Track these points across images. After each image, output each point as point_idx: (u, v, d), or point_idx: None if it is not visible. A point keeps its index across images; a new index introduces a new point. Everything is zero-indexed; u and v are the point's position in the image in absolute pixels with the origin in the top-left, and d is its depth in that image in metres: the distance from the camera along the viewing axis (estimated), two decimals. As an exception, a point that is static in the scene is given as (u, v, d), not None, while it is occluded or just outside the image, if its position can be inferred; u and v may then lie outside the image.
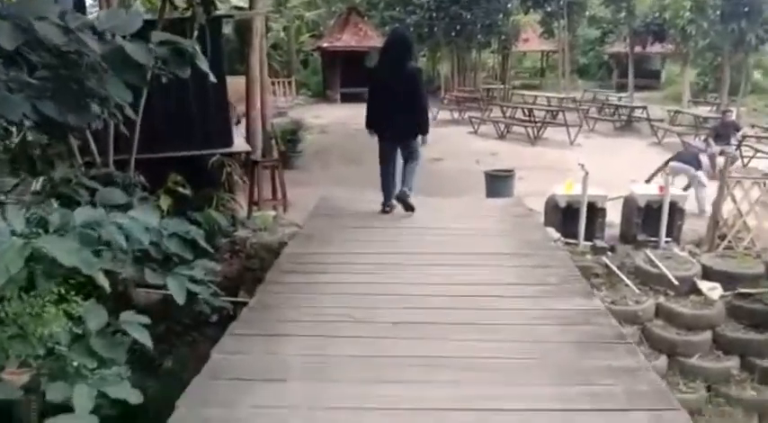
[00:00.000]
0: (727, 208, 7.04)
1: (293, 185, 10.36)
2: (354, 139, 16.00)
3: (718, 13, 16.18)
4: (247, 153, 7.61)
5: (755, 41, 16.69)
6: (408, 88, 5.64)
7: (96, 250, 2.76)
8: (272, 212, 7.47)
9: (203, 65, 3.60)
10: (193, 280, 3.59)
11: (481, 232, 5.08)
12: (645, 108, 17.24)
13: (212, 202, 6.67)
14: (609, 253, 6.63)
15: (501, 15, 23.68)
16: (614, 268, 6.30)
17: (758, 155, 11.79)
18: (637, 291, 6.10)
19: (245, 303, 5.15)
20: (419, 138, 6.09)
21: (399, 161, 6.09)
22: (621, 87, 27.31)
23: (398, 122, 5.78)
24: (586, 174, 6.47)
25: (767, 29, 16.63)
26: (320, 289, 3.92)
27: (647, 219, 6.91)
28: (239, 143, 7.55)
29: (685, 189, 8.50)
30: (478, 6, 22.76)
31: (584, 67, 34.70)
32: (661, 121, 17.09)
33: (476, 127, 17.04)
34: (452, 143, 14.52)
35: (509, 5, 24.98)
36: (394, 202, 5.92)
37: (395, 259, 4.42)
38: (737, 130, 11.55)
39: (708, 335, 5.78)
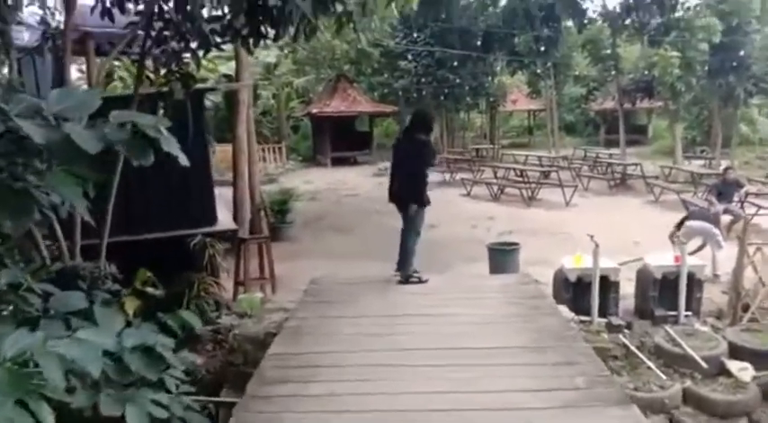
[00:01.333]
0: (747, 275, 6.58)
1: (283, 259, 9.85)
2: (345, 205, 15.67)
3: (706, 68, 16.27)
4: (234, 231, 7.14)
5: (744, 95, 16.71)
6: (413, 157, 5.96)
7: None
8: (260, 294, 6.93)
9: (172, 147, 3.14)
10: (159, 403, 3.02)
11: (489, 319, 4.55)
12: (639, 165, 17.04)
13: (194, 288, 6.14)
14: (626, 331, 6.10)
15: (488, 77, 23.90)
16: (634, 349, 5.75)
17: (760, 211, 11.47)
18: (661, 375, 5.53)
19: (229, 404, 4.58)
20: (415, 207, 6.06)
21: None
22: (609, 143, 27.42)
23: (401, 192, 6.09)
24: (597, 246, 6.01)
25: (755, 83, 16.72)
26: (307, 405, 3.35)
27: (664, 291, 6.43)
28: (224, 220, 7.07)
29: (697, 251, 8.07)
30: (465, 69, 22.99)
31: (570, 124, 35.05)
32: (656, 178, 16.86)
33: (468, 189, 16.75)
34: (446, 207, 14.11)
35: (495, 67, 25.30)
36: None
37: (392, 359, 3.87)
38: (740, 187, 11.24)
39: (744, 423, 5.20)
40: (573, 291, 6.21)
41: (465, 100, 24.43)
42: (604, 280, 6.18)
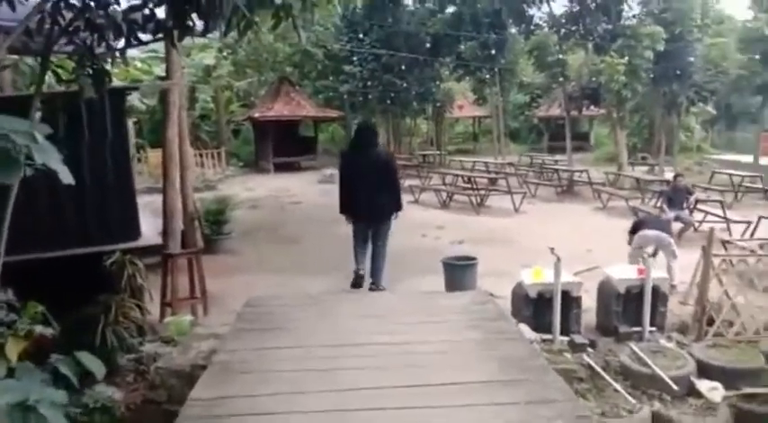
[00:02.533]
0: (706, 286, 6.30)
1: (219, 274, 9.08)
2: (288, 214, 14.92)
3: (651, 76, 16.38)
4: (159, 246, 6.36)
5: (687, 103, 16.93)
6: (383, 172, 6.28)
7: None
8: (189, 317, 6.19)
9: (49, 159, 2.47)
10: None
11: (448, 347, 4.00)
12: (586, 171, 17.01)
13: (110, 312, 5.37)
14: (589, 350, 5.69)
15: (435, 83, 23.62)
16: (600, 371, 5.34)
17: (707, 218, 11.46)
18: (629, 397, 5.13)
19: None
20: (395, 215, 6.71)
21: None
22: (553, 150, 27.66)
23: (375, 205, 6.35)
24: (558, 260, 5.58)
25: (697, 90, 16.98)
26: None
27: (627, 305, 6.07)
28: (149, 234, 6.30)
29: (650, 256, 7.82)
30: (412, 75, 22.61)
31: (515, 131, 35.28)
32: (602, 184, 16.86)
33: (416, 196, 16.30)
34: (394, 215, 13.60)
35: (442, 73, 25.06)
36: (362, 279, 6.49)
37: (338, 402, 3.27)
38: (690, 194, 11.18)
39: (717, 448, 4.85)
40: (533, 307, 5.76)
41: (412, 105, 24.04)
42: (565, 295, 5.77)
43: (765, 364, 5.50)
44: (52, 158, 2.44)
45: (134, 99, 22.41)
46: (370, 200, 6.24)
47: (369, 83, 22.46)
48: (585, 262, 8.54)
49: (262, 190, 18.79)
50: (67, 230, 5.67)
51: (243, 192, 18.24)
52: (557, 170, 18.45)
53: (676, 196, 10.79)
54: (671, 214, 10.13)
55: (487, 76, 23.25)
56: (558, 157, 22.39)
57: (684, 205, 10.92)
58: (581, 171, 17.50)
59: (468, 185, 15.96)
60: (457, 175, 17.06)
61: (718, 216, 11.36)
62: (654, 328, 6.04)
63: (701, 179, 17.88)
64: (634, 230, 7.99)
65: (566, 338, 5.75)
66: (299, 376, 3.62)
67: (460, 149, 31.83)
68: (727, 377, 5.34)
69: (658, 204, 11.37)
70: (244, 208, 15.23)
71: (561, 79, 18.31)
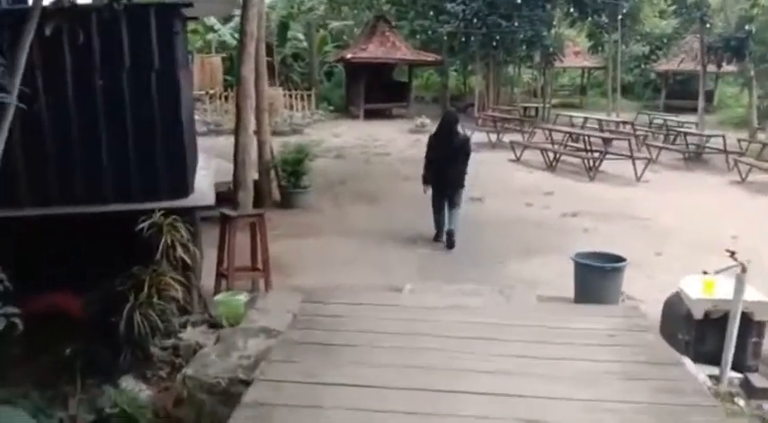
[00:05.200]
0: None
1: (291, 235, 7.99)
2: (374, 166, 13.60)
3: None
4: (211, 206, 5.19)
5: None
6: (459, 153, 7.65)
7: None
8: (243, 296, 5.05)
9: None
10: None
11: (584, 409, 2.60)
12: (722, 137, 14.52)
13: (141, 291, 4.30)
14: (775, 398, 4.07)
15: (546, 26, 21.14)
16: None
17: None
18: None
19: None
20: (462, 190, 7.78)
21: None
22: (669, 109, 24.60)
23: (449, 177, 7.64)
24: (743, 269, 3.92)
25: None
26: None
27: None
28: (202, 191, 5.15)
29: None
30: (520, 16, 20.25)
31: (628, 85, 31.81)
32: (739, 153, 14.34)
33: (518, 154, 14.53)
34: (493, 175, 12.00)
35: (554, 16, 22.47)
36: (444, 237, 7.71)
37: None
38: None
39: None
40: (696, 330, 4.17)
41: (518, 51, 21.74)
42: (743, 318, 4.12)
43: None
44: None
45: (225, 34, 21.67)
46: (445, 173, 7.61)
47: (473, 22, 20.31)
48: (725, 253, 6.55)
49: (349, 137, 17.58)
50: (98, 182, 4.60)
51: (330, 138, 17.13)
52: (684, 133, 15.97)
53: None
54: None
55: (606, 21, 20.50)
56: (681, 117, 19.64)
57: None
58: (716, 136, 14.99)
59: (580, 146, 13.99)
60: (566, 133, 15.04)
61: None
62: None
63: None
64: None
65: (737, 376, 4.15)
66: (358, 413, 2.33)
67: (565, 103, 29.11)
68: None
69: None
70: (328, 157, 14.12)
71: (702, 25, 15.53)
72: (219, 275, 5.55)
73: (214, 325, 4.80)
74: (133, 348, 4.30)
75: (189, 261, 4.65)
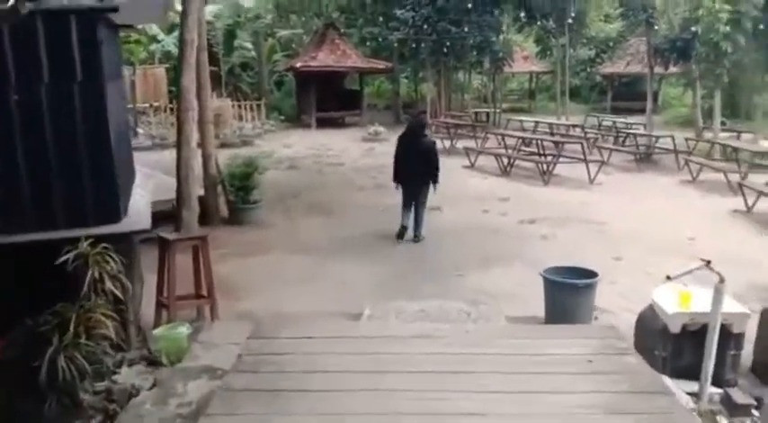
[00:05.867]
0: None
1: (241, 253, 7.54)
2: (327, 177, 13.20)
3: (760, 26, 13.76)
4: (145, 231, 4.70)
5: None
6: (425, 155, 8.22)
7: None
8: (185, 329, 4.59)
9: None
10: None
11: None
12: (671, 137, 14.69)
13: (67, 331, 3.81)
14: (755, 413, 3.88)
15: (495, 32, 21.19)
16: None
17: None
18: None
19: None
20: (431, 187, 8.31)
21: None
22: (616, 110, 25.04)
23: (416, 175, 8.18)
24: (721, 280, 3.72)
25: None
26: None
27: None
28: (139, 213, 4.68)
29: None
30: (469, 22, 20.22)
31: (575, 89, 32.32)
32: (688, 152, 14.55)
33: (472, 160, 14.39)
34: (449, 183, 11.68)
35: (503, 22, 22.56)
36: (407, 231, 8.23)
37: None
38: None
39: None
40: (673, 344, 3.96)
41: (468, 57, 21.71)
42: (722, 330, 3.92)
43: None
44: None
45: (169, 44, 20.91)
46: (413, 172, 8.16)
47: (423, 28, 20.17)
48: (687, 255, 6.34)
49: (301, 147, 17.15)
50: (17, 208, 4.10)
51: (281, 149, 16.67)
52: (634, 134, 16.15)
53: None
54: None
55: (554, 26, 20.66)
56: (629, 119, 19.91)
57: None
58: (665, 136, 15.18)
59: (534, 150, 13.93)
60: (519, 138, 14.99)
61: None
62: None
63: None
64: None
65: (716, 391, 3.95)
66: None
67: (515, 108, 29.31)
68: None
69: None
70: (280, 168, 13.65)
71: (648, 27, 15.72)
72: (160, 305, 5.08)
73: (153, 362, 4.34)
74: (59, 396, 3.80)
75: (120, 295, 4.17)
